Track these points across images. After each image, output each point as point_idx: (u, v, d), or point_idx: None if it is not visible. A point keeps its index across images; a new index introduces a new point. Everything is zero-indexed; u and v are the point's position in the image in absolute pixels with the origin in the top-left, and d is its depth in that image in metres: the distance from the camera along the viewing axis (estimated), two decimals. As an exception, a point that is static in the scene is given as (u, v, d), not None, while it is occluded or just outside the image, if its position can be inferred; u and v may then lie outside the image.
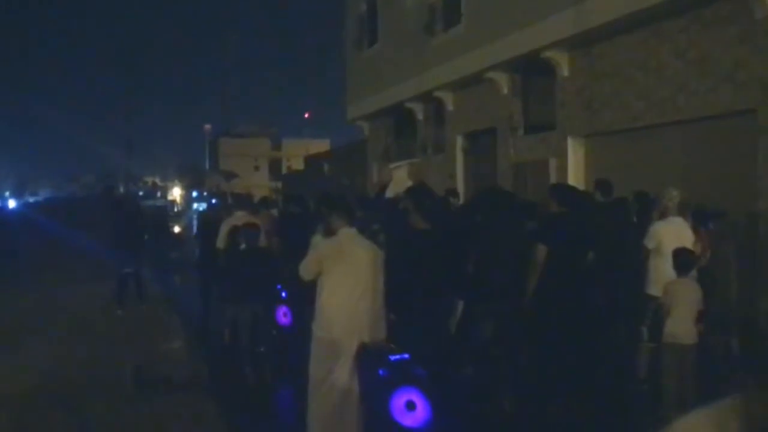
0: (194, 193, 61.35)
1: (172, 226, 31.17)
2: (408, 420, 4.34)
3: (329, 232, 5.17)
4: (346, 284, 4.70)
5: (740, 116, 8.15)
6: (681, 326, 5.31)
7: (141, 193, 65.68)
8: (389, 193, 8.97)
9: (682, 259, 5.48)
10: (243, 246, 7.56)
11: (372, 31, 18.22)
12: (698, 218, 6.98)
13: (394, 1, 16.71)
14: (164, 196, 66.61)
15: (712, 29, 8.40)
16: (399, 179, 9.45)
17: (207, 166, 75.63)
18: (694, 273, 5.74)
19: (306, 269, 4.83)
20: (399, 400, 4.37)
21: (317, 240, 5.76)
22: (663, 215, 6.34)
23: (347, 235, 4.84)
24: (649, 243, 6.26)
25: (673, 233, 6.14)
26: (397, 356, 4.51)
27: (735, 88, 8.14)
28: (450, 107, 14.95)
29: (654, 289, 6.06)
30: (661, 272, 5.98)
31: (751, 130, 7.92)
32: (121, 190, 69.31)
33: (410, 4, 15.91)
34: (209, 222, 10.08)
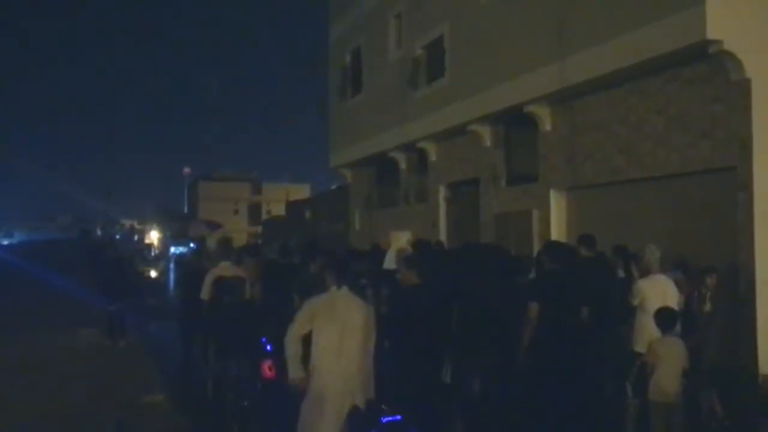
0: (170, 238, 60.80)
1: (149, 271, 30.76)
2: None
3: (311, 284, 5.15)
4: (338, 344, 4.67)
5: (719, 172, 8.35)
6: (666, 384, 5.33)
7: (118, 237, 64.95)
8: (388, 260, 8.99)
9: (665, 317, 5.55)
10: (227, 299, 7.48)
11: (356, 82, 18.50)
12: (683, 272, 7.10)
13: (379, 54, 17.03)
14: (141, 239, 65.92)
15: (691, 88, 8.67)
16: (399, 245, 9.48)
17: (185, 209, 75.24)
18: (678, 329, 5.80)
19: (295, 329, 4.79)
20: (392, 464, 4.30)
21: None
22: (646, 272, 6.42)
23: (340, 293, 4.82)
24: (634, 300, 6.32)
25: (656, 290, 6.22)
26: (389, 418, 4.47)
27: (713, 145, 8.36)
28: (433, 157, 15.13)
29: (639, 346, 6.10)
30: (646, 329, 6.04)
31: (731, 186, 8.12)
32: (99, 233, 68.53)
33: (394, 57, 16.23)
34: (191, 273, 9.98)
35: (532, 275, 6.91)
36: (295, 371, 4.82)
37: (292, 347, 4.83)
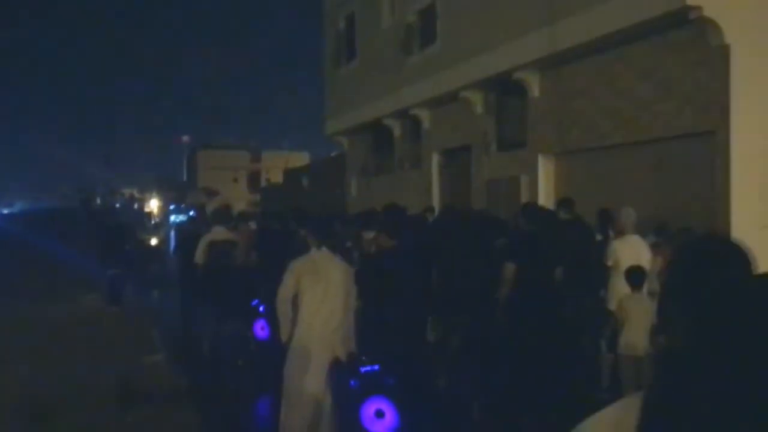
0: (172, 206, 61.10)
1: (149, 239, 31.07)
2: (377, 427, 4.60)
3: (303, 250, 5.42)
4: (320, 301, 4.95)
5: (701, 137, 8.55)
6: (635, 339, 5.62)
7: (117, 205, 65.20)
8: None
9: (634, 275, 5.83)
10: (221, 262, 7.77)
11: (350, 49, 18.55)
12: (661, 235, 7.35)
13: (372, 20, 17.07)
14: (141, 207, 66.15)
15: (675, 54, 8.82)
16: None
17: (185, 178, 75.36)
18: (647, 288, 6.07)
19: (284, 290, 5.05)
20: (369, 409, 4.63)
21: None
22: (620, 233, 6.68)
23: (321, 253, 5.10)
24: (608, 261, 6.59)
25: (629, 251, 6.48)
26: (368, 367, 4.77)
27: (695, 110, 8.55)
28: (426, 125, 15.29)
29: (612, 305, 6.39)
30: (618, 289, 6.32)
31: (711, 151, 8.33)
32: (99, 201, 68.77)
33: (387, 24, 16.28)
34: (188, 237, 10.27)
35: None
36: (286, 333, 5.08)
37: (281, 308, 5.09)
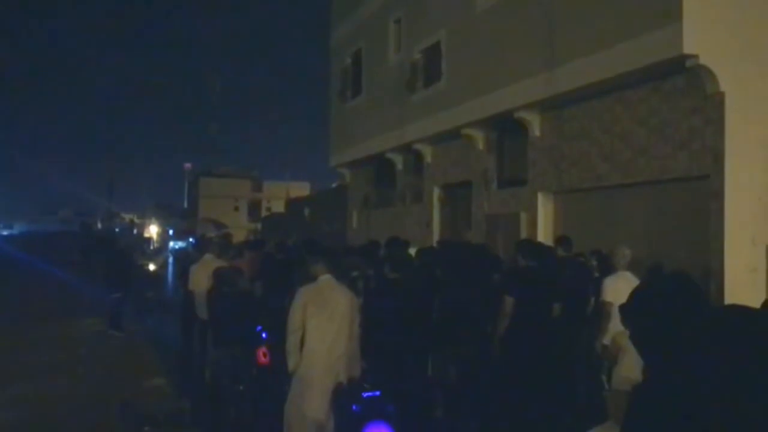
0: (170, 231, 61.29)
1: (148, 264, 31.19)
2: (378, 453, 4.74)
3: (310, 278, 5.61)
4: (325, 328, 5.14)
5: (695, 181, 8.81)
6: (628, 374, 5.78)
7: (117, 230, 65.35)
8: None
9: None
10: (225, 289, 7.93)
11: (356, 84, 18.97)
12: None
13: (378, 57, 17.50)
14: (141, 233, 66.28)
15: (671, 100, 9.13)
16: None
17: (185, 205, 75.63)
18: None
19: (293, 321, 5.21)
20: (369, 433, 4.78)
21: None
22: (613, 270, 6.89)
23: (327, 281, 5.30)
24: (607, 296, 6.77)
25: (621, 287, 6.68)
26: (370, 393, 4.95)
27: (690, 155, 8.82)
28: (428, 159, 15.60)
29: (606, 340, 6.56)
30: (614, 325, 6.50)
31: (705, 194, 8.58)
32: (99, 226, 68.90)
33: (393, 61, 16.70)
34: (190, 264, 10.45)
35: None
36: (294, 363, 5.21)
37: (291, 339, 5.22)
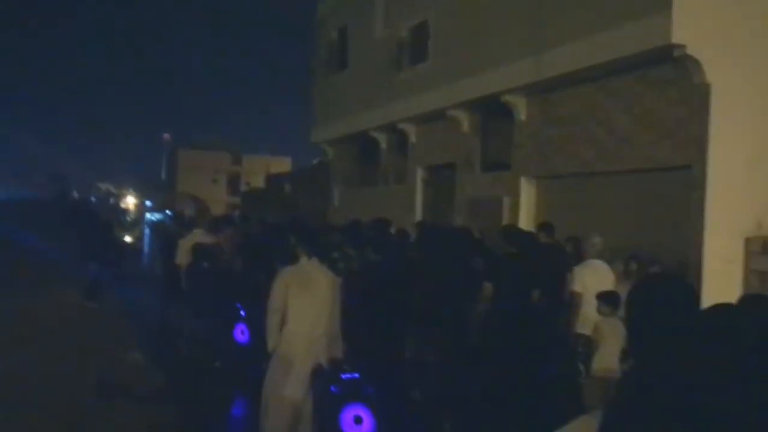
0: (148, 203, 60.73)
1: (124, 236, 30.88)
2: (355, 432, 4.77)
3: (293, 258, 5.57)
4: (307, 309, 5.11)
5: (678, 171, 8.85)
6: (608, 362, 5.84)
7: (93, 199, 64.61)
8: None
9: (609, 299, 6.06)
10: (205, 264, 7.88)
11: (341, 59, 18.76)
12: (629, 265, 7.60)
13: (365, 33, 17.30)
14: (117, 203, 65.60)
15: (657, 89, 9.13)
16: None
17: (163, 176, 74.84)
18: (620, 313, 6.31)
19: (275, 300, 5.17)
20: (348, 415, 4.80)
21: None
22: (584, 258, 6.92)
23: (310, 263, 5.26)
24: (576, 286, 6.80)
25: (593, 276, 6.71)
26: (349, 375, 4.95)
27: (674, 144, 8.85)
28: (413, 140, 15.52)
29: (582, 329, 6.61)
30: (583, 313, 6.54)
31: (687, 184, 8.63)
32: (75, 195, 68.00)
33: (380, 37, 16.52)
34: (171, 238, 10.36)
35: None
36: (274, 342, 5.18)
37: (272, 318, 5.20)
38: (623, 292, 6.76)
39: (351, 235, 7.79)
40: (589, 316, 6.39)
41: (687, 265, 8.46)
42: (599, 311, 6.15)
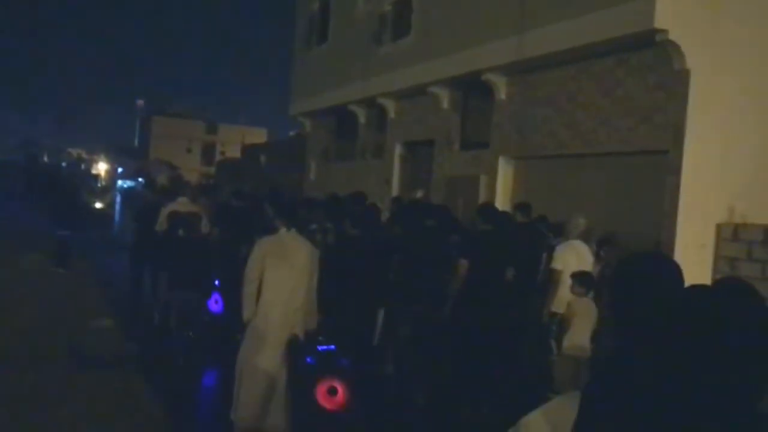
0: (120, 169, 59.79)
1: (94, 202, 30.48)
2: (330, 404, 4.80)
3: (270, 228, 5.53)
4: (284, 280, 5.09)
5: (654, 155, 8.95)
6: (580, 340, 5.94)
7: (64, 164, 63.44)
8: None
9: (582, 279, 6.15)
10: (181, 232, 7.80)
11: (322, 32, 18.54)
12: (602, 245, 7.72)
13: (346, 6, 17.10)
14: (89, 169, 64.49)
15: (637, 74, 9.19)
16: None
17: (136, 143, 73.70)
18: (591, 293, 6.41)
19: (251, 270, 5.14)
20: (323, 386, 4.83)
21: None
22: (565, 238, 7.00)
23: (289, 235, 5.23)
24: (557, 264, 6.89)
25: (573, 256, 6.81)
26: (324, 347, 4.97)
27: (651, 129, 8.94)
28: (392, 115, 15.44)
29: (554, 306, 6.71)
30: (561, 292, 6.63)
31: (663, 169, 8.73)
32: (46, 159, 66.70)
33: (362, 11, 16.33)
34: (146, 205, 10.22)
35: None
36: (250, 312, 5.16)
37: (248, 288, 5.16)
38: (596, 272, 6.90)
39: (330, 209, 7.76)
40: (564, 296, 6.48)
41: (659, 248, 8.59)
42: (573, 291, 6.24)
